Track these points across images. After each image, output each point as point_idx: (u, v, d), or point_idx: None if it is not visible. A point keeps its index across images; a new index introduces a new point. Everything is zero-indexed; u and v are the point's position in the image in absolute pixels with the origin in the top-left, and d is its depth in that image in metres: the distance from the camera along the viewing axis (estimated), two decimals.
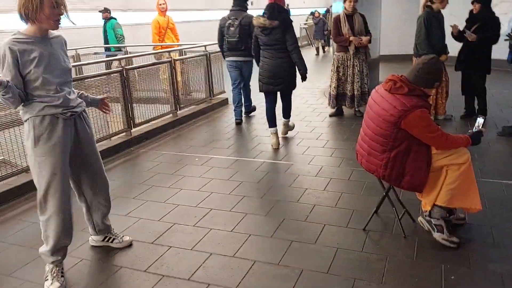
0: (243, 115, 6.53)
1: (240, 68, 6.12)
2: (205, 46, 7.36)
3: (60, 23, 2.42)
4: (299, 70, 4.94)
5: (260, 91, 5.14)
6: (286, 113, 5.40)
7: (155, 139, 5.74)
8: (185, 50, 7.54)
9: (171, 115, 6.41)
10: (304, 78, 5.07)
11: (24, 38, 2.36)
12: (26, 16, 2.33)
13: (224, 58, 6.29)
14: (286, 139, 5.37)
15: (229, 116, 6.80)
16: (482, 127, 2.82)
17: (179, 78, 6.65)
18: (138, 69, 5.98)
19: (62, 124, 2.49)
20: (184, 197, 3.81)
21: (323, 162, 4.47)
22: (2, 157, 4.19)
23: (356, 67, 5.98)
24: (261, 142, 5.29)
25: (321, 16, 16.21)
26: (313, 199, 3.60)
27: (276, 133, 5.10)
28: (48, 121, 2.44)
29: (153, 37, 8.13)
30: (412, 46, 5.55)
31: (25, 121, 2.46)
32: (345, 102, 6.18)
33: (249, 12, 5.97)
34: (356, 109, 6.19)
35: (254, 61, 5.50)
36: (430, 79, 2.68)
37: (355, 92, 6.04)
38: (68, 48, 2.70)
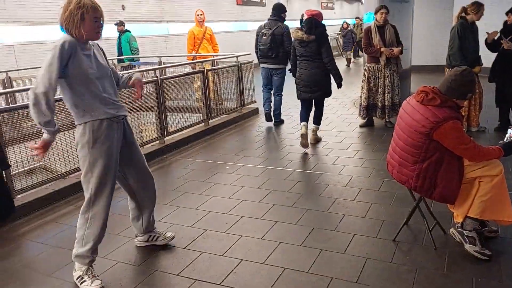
0: (273, 124, 6.75)
1: (271, 75, 6.52)
2: (237, 56, 7.52)
3: (101, 34, 2.60)
4: (335, 80, 5.36)
5: (298, 98, 5.56)
6: (317, 120, 5.68)
7: (187, 147, 5.89)
8: (217, 60, 7.73)
9: (202, 124, 6.57)
10: (339, 86, 5.47)
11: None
12: (67, 29, 2.50)
13: (260, 64, 6.65)
14: (316, 149, 5.41)
15: (259, 125, 6.91)
16: None
17: (211, 88, 6.82)
18: (172, 79, 6.16)
19: (115, 127, 2.68)
20: (216, 204, 3.91)
21: (353, 172, 4.49)
22: (43, 163, 4.43)
23: (387, 78, 5.97)
24: (291, 151, 5.35)
25: (349, 28, 16.17)
26: (342, 209, 3.63)
27: (305, 126, 5.37)
28: (105, 125, 2.62)
29: (187, 47, 8.36)
30: (445, 57, 5.51)
31: (81, 124, 2.60)
32: (375, 113, 6.18)
33: (287, 22, 6.31)
34: (387, 120, 6.17)
35: (286, 69, 6.04)
36: (463, 90, 2.69)
37: (386, 103, 6.03)
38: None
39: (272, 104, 6.73)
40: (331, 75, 5.31)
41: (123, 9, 11.32)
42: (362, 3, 25.38)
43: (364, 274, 2.69)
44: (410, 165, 2.79)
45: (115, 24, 9.81)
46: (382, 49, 5.84)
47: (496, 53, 5.45)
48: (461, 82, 2.67)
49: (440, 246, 2.93)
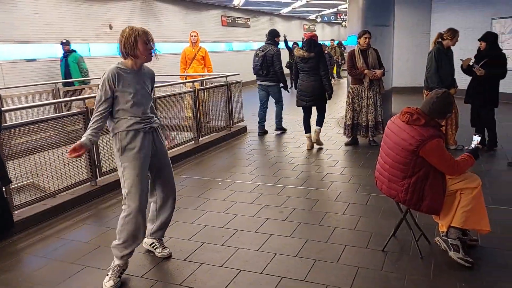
0: (277, 131, 7.83)
1: (266, 90, 7.51)
2: (226, 76, 7.75)
3: (152, 56, 2.97)
4: (327, 91, 6.35)
5: (297, 105, 6.56)
6: (319, 122, 6.57)
7: (179, 164, 6.02)
8: (206, 80, 7.94)
9: (193, 142, 6.72)
10: (330, 97, 6.45)
11: (124, 69, 2.92)
12: (126, 53, 2.89)
13: (256, 82, 7.67)
14: (305, 166, 5.64)
15: (248, 143, 7.11)
16: (478, 144, 3.11)
17: (200, 107, 7.01)
18: (164, 98, 6.32)
19: (142, 136, 2.96)
20: (211, 219, 4.06)
21: (341, 188, 4.71)
22: (31, 180, 4.49)
23: (370, 99, 6.27)
24: (281, 168, 5.55)
25: (327, 50, 15.71)
26: (333, 222, 3.83)
27: (309, 137, 6.50)
28: (132, 134, 2.93)
29: (180, 66, 8.60)
30: (423, 79, 5.85)
31: (114, 134, 2.96)
32: (360, 132, 6.46)
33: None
34: (371, 139, 6.45)
35: (280, 85, 7.38)
36: (443, 111, 2.97)
37: (369, 122, 6.31)
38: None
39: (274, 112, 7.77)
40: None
41: (111, 28, 11.48)
42: (343, 26, 26.17)
43: (357, 282, 2.87)
44: (399, 180, 3.01)
45: (62, 44, 8.97)
46: (366, 71, 6.16)
47: (471, 77, 5.82)
48: (442, 104, 2.95)
49: (426, 255, 3.15)
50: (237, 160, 6.24)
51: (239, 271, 3.09)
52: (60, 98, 7.83)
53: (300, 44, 8.31)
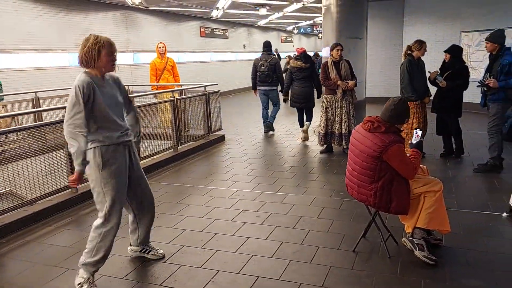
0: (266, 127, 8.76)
1: (267, 94, 8.55)
2: (204, 86, 7.90)
3: (115, 66, 2.95)
4: (318, 93, 7.65)
5: (291, 106, 7.91)
6: (309, 119, 7.90)
7: (158, 171, 6.12)
8: (185, 90, 8.07)
9: (172, 150, 6.82)
10: (319, 96, 7.44)
11: (94, 77, 2.85)
12: (86, 62, 2.83)
13: (255, 88, 8.71)
14: (281, 173, 5.81)
15: (226, 151, 7.26)
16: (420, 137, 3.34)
17: (179, 116, 7.13)
18: (142, 108, 6.42)
19: (122, 151, 2.96)
20: (190, 223, 4.17)
21: (316, 194, 4.90)
22: (9, 189, 4.52)
23: (343, 108, 6.52)
24: (258, 175, 5.72)
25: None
26: (307, 225, 4.00)
27: (303, 131, 7.74)
28: (112, 149, 2.90)
29: (150, 78, 8.71)
30: (395, 89, 6.13)
31: (91, 149, 2.86)
32: (334, 140, 6.69)
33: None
34: (344, 147, 6.68)
35: (278, 89, 8.50)
36: (401, 117, 3.21)
37: (343, 131, 6.55)
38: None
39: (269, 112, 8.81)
40: (315, 90, 7.66)
41: None
42: (319, 38, 26.74)
43: (329, 280, 3.04)
44: (367, 185, 3.21)
45: None
46: (339, 82, 6.42)
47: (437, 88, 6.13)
48: (399, 110, 3.18)
49: (394, 254, 3.35)
50: (215, 167, 6.37)
51: (217, 272, 3.21)
52: None
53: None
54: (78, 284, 2.97)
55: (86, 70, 2.88)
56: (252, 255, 3.45)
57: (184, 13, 15.40)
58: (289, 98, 7.87)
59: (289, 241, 3.69)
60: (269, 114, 8.76)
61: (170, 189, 5.33)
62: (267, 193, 4.98)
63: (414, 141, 3.32)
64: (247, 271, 3.20)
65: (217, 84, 8.39)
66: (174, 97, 6.92)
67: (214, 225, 4.12)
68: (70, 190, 4.85)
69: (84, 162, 2.80)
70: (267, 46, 8.59)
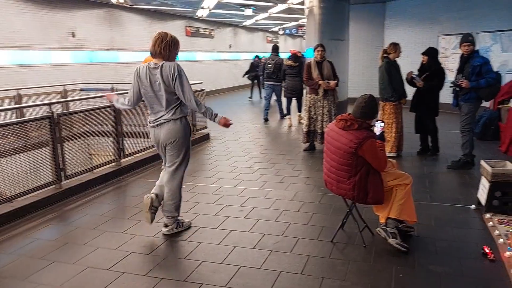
0: (282, 117, 10.50)
1: (273, 89, 10.21)
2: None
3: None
4: (304, 88, 8.34)
5: (284, 96, 9.93)
6: (299, 109, 9.68)
7: (143, 169, 6.22)
8: None
9: None
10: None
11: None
12: (158, 52, 3.58)
13: (263, 83, 11.39)
14: (265, 169, 5.97)
15: (211, 149, 7.39)
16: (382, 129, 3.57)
17: None
18: None
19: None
20: None
21: (298, 189, 5.07)
22: None
23: (325, 107, 6.72)
24: (242, 172, 5.86)
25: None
26: (289, 218, 4.17)
27: (290, 118, 9.51)
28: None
29: None
30: (376, 90, 6.34)
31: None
32: (316, 138, 6.88)
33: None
34: None
35: (282, 84, 10.13)
36: (372, 112, 3.42)
37: (325, 130, 6.73)
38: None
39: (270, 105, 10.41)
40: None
41: (73, 36, 11.49)
42: (304, 39, 27.03)
43: (307, 268, 3.21)
44: (346, 180, 3.39)
45: None
46: (320, 82, 6.61)
47: (416, 88, 6.38)
48: (370, 106, 3.38)
49: (369, 244, 3.54)
50: (200, 165, 6.49)
51: (201, 262, 3.35)
52: None
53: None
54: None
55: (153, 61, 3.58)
56: (235, 246, 3.60)
57: (169, 12, 15.46)
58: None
59: (271, 233, 3.85)
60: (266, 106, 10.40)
61: (154, 185, 5.41)
62: (251, 189, 5.13)
63: (377, 133, 3.51)
64: (229, 261, 3.35)
65: (202, 83, 8.52)
66: None
67: (197, 219, 4.25)
68: (54, 186, 4.93)
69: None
70: (275, 49, 10.46)
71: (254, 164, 6.32)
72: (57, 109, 6.22)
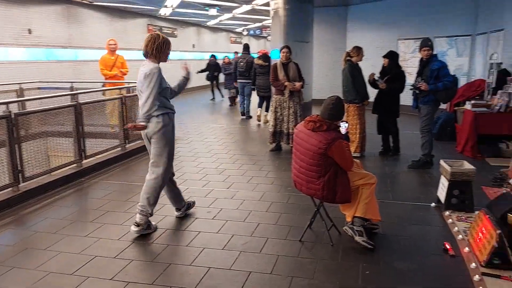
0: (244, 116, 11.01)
1: (244, 87, 10.83)
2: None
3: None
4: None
5: (257, 95, 10.05)
6: (267, 109, 9.69)
7: (105, 170, 6.06)
8: (133, 88, 7.98)
9: (120, 148, 6.75)
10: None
11: None
12: (150, 53, 3.77)
13: (236, 80, 11.34)
14: (232, 170, 5.96)
15: (176, 150, 7.21)
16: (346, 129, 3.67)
17: (127, 114, 7.06)
18: (92, 104, 6.30)
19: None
20: None
21: (265, 189, 5.10)
22: None
23: (291, 109, 6.79)
24: (209, 173, 5.82)
25: (233, 62, 13.65)
26: (257, 219, 4.18)
27: (260, 110, 10.10)
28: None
29: (103, 72, 8.51)
30: (339, 92, 6.48)
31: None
32: (282, 139, 6.94)
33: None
34: (292, 145, 6.92)
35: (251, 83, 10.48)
36: (340, 113, 3.50)
37: (290, 130, 6.81)
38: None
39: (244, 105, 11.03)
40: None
41: (30, 33, 11.02)
42: (268, 40, 27.21)
43: (277, 267, 3.23)
44: (315, 180, 3.43)
45: None
46: (286, 83, 6.68)
47: (377, 90, 6.57)
48: (338, 108, 3.46)
49: (336, 242, 3.61)
50: None
51: (169, 265, 3.30)
52: None
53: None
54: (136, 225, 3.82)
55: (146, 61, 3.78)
56: (204, 248, 3.57)
57: (131, 9, 15.13)
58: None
59: (239, 233, 3.84)
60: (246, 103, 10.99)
61: (118, 187, 5.30)
62: (218, 190, 5.10)
63: (342, 133, 3.59)
64: (198, 263, 3.31)
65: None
66: (122, 94, 6.84)
67: (164, 221, 4.19)
68: (11, 189, 4.70)
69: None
70: (246, 48, 11.09)
71: (220, 165, 6.30)
72: (14, 108, 5.93)
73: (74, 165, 5.75)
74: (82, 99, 7.22)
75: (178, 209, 4.27)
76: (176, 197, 4.24)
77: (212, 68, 15.20)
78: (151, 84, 3.64)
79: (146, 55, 3.80)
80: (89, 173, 5.84)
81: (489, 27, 8.60)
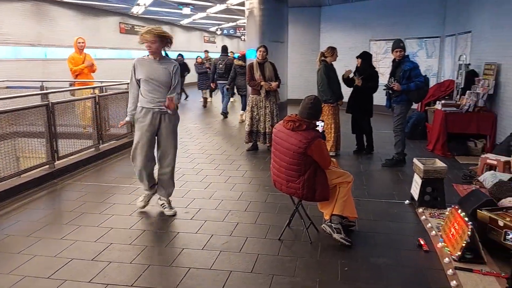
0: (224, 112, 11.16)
1: (223, 87, 11.01)
2: (127, 84, 7.73)
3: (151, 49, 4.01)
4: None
5: (238, 94, 10.56)
6: (243, 107, 9.99)
7: (79, 171, 5.93)
8: (106, 87, 7.85)
9: (93, 149, 6.62)
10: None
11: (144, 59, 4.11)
12: (163, 46, 4.07)
13: (214, 81, 11.63)
14: (209, 170, 5.95)
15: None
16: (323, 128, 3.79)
17: (100, 114, 6.93)
18: (64, 104, 6.15)
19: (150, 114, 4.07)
20: (117, 221, 4.14)
21: (243, 189, 5.11)
22: None
23: (267, 108, 6.83)
24: (186, 173, 5.78)
25: (205, 61, 13.89)
26: (236, 218, 4.19)
27: (242, 115, 10.15)
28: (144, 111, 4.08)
29: (72, 71, 8.33)
30: (313, 92, 6.56)
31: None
32: (259, 138, 6.97)
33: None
34: (268, 145, 6.99)
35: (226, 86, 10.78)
36: (318, 113, 3.55)
37: (267, 130, 6.86)
38: None
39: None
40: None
41: None
42: (242, 40, 27.21)
43: (257, 266, 3.25)
44: (295, 179, 3.47)
45: None
46: (262, 83, 6.71)
47: (351, 89, 6.69)
48: (316, 107, 3.51)
49: (315, 240, 3.66)
50: None
51: (148, 266, 3.27)
52: None
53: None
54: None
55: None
56: (183, 248, 3.55)
57: (103, 7, 14.85)
58: (235, 89, 10.72)
59: (219, 233, 3.84)
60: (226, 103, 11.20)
61: (93, 188, 5.20)
62: (196, 190, 5.08)
63: (320, 130, 3.68)
64: (178, 263, 3.30)
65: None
66: (95, 94, 6.71)
67: (142, 222, 4.14)
68: None
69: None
70: (225, 49, 11.61)
71: (197, 165, 6.27)
72: None
73: (47, 166, 5.61)
74: (54, 98, 7.08)
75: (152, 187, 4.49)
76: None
77: (180, 67, 14.70)
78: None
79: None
80: (62, 174, 5.71)
81: (457, 29, 8.90)
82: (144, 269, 3.22)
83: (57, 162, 5.77)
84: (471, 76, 7.08)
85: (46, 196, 4.99)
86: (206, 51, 16.01)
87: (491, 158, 5.14)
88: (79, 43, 8.19)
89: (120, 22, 16.53)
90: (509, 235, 2.62)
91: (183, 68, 14.16)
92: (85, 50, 8.36)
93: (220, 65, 11.07)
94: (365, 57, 6.60)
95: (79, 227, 4.01)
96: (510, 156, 4.97)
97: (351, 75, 6.53)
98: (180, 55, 14.64)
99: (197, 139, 8.19)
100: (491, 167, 5.07)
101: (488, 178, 4.67)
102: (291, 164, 3.43)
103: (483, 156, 5.36)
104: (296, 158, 3.38)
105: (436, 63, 10.33)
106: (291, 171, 3.46)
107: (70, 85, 8.41)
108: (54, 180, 5.50)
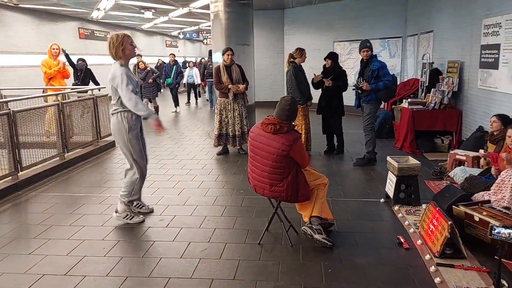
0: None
1: (211, 86, 11.93)
2: (92, 89, 7.49)
3: (136, 53, 4.14)
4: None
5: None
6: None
7: (44, 182, 5.66)
8: (69, 93, 7.56)
9: (58, 158, 6.34)
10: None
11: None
12: (115, 55, 3.96)
13: (204, 80, 14.26)
14: (181, 176, 5.82)
15: (118, 157, 6.97)
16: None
17: (65, 121, 6.65)
18: (27, 112, 5.85)
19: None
20: (89, 233, 3.96)
21: (217, 193, 5.02)
22: None
23: (236, 111, 6.77)
24: (157, 180, 5.63)
25: (149, 68, 12.03)
26: (213, 224, 4.10)
27: None
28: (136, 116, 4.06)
29: (44, 80, 8.04)
30: (280, 93, 6.58)
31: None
32: (228, 141, 6.90)
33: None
34: (238, 147, 6.94)
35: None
36: (295, 114, 3.56)
37: (236, 133, 6.80)
38: None
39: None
40: None
41: None
42: (204, 44, 26.99)
43: (239, 272, 3.18)
44: (279, 182, 3.42)
45: None
46: (230, 86, 6.64)
47: (321, 91, 6.74)
48: (293, 108, 3.49)
49: (296, 243, 3.63)
50: (109, 175, 6.09)
51: (126, 278, 3.13)
52: None
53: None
54: (125, 217, 4.17)
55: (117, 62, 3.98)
56: (161, 258, 3.43)
57: (61, 12, 14.33)
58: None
59: (196, 240, 3.74)
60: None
61: (60, 199, 4.96)
62: (169, 197, 4.95)
63: None
64: (157, 274, 3.18)
65: (104, 87, 8.00)
66: (58, 101, 6.43)
67: (115, 232, 3.98)
68: None
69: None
70: (210, 54, 12.71)
71: (168, 170, 6.12)
72: None
73: (9, 178, 5.31)
74: (15, 107, 6.73)
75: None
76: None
77: (83, 74, 10.52)
78: (122, 80, 3.94)
79: (114, 58, 4.02)
80: (26, 185, 5.42)
81: (419, 29, 9.18)
82: (122, 282, 3.08)
83: (20, 173, 5.49)
84: (435, 75, 7.30)
85: (10, 209, 4.71)
86: (172, 55, 15.52)
87: (460, 153, 5.30)
88: (53, 49, 8.06)
89: (79, 27, 16.01)
90: (495, 229, 2.66)
91: (86, 75, 9.74)
92: (45, 56, 8.06)
93: (211, 66, 12.26)
94: (333, 57, 6.68)
95: (48, 241, 3.80)
96: (477, 151, 5.13)
97: (321, 77, 6.57)
98: (81, 59, 10.08)
99: (165, 144, 8.01)
100: (460, 163, 5.23)
101: (458, 174, 4.81)
102: (275, 167, 3.38)
103: (451, 152, 5.52)
104: (279, 161, 3.33)
105: (399, 62, 10.62)
106: (274, 175, 3.41)
107: (44, 91, 8.07)
108: (18, 192, 5.22)
